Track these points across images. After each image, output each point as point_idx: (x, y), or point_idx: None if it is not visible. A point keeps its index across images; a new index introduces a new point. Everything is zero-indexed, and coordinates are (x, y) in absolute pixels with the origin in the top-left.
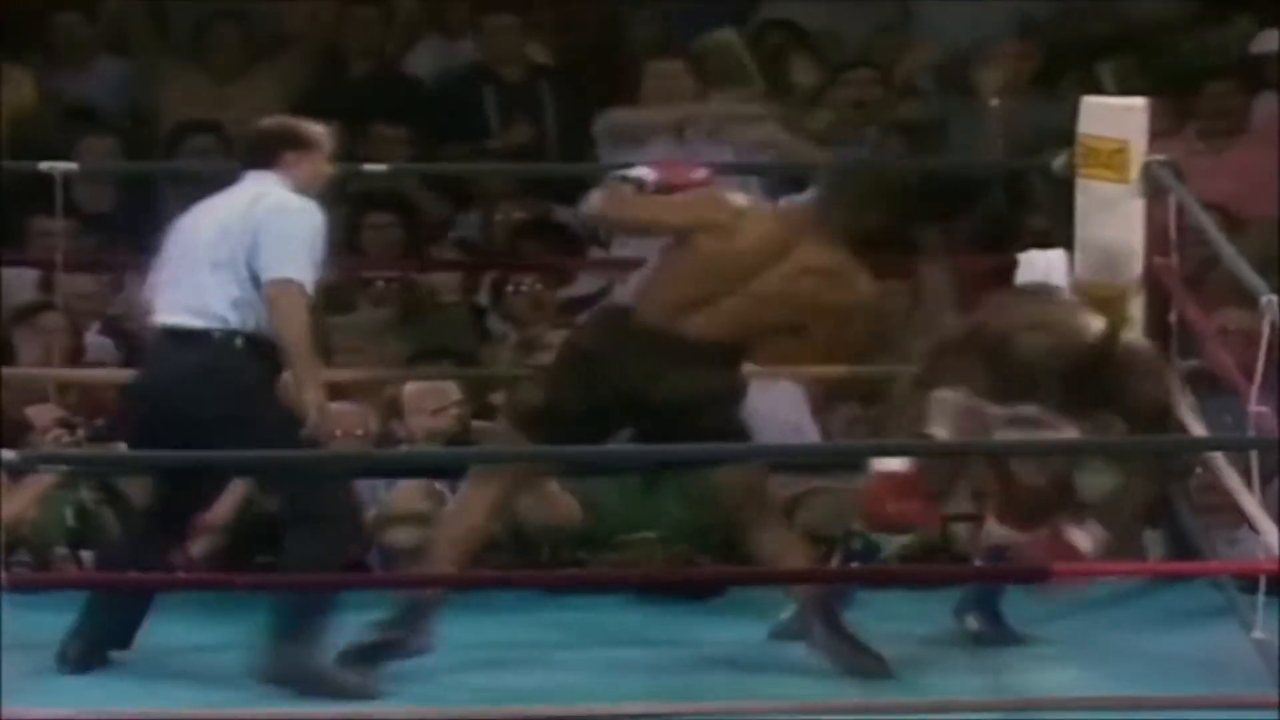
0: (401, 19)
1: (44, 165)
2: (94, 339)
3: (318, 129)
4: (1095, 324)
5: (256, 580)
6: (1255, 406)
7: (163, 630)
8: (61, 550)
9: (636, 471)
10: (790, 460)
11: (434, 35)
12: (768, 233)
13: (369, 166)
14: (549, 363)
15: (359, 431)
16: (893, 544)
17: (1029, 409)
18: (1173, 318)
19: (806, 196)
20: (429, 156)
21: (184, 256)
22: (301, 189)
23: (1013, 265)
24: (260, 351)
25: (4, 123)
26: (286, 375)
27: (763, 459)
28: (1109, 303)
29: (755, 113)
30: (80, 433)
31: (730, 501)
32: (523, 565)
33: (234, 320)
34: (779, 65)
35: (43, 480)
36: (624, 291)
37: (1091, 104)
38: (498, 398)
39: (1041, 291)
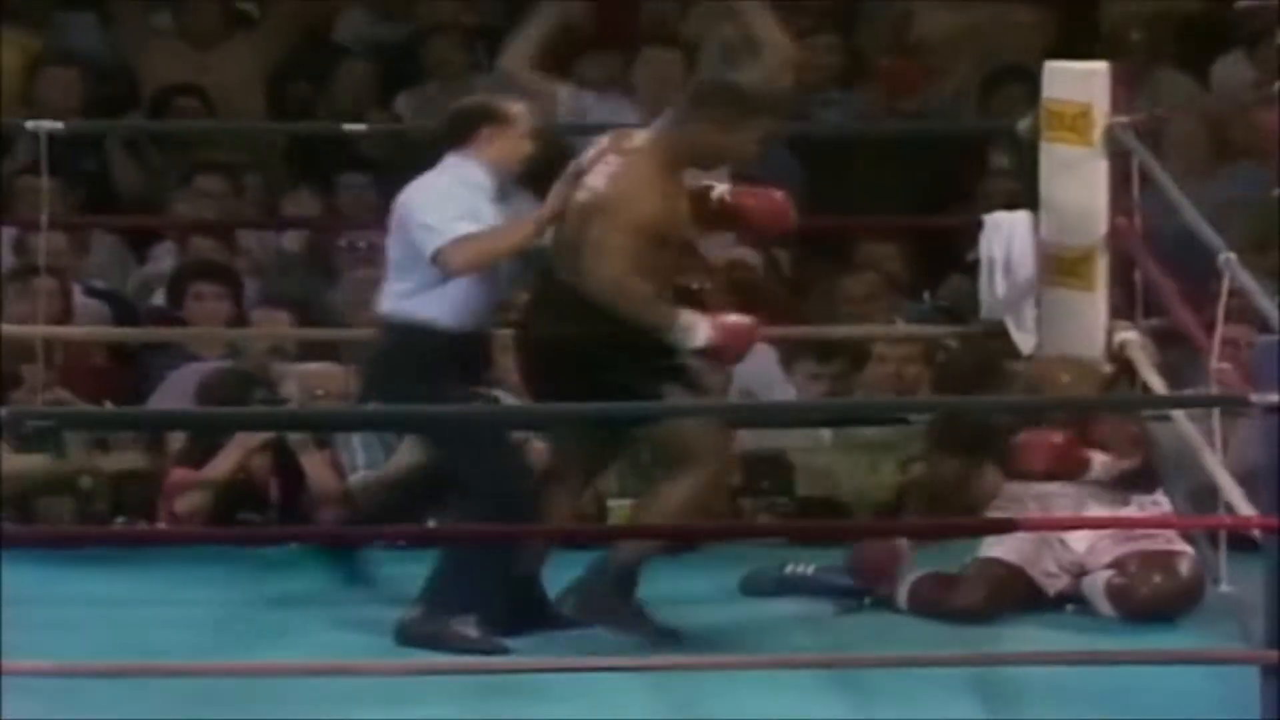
0: None
1: (30, 124)
2: (82, 300)
3: (515, 105)
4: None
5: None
6: (1217, 364)
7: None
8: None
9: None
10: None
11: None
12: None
13: (349, 126)
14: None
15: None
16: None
17: None
18: (1137, 277)
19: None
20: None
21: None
22: (499, 166)
23: (978, 226)
24: (423, 341)
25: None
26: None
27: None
28: (1074, 264)
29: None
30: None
31: (676, 453)
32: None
33: (403, 311)
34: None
35: (251, 439)
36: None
37: (1055, 68)
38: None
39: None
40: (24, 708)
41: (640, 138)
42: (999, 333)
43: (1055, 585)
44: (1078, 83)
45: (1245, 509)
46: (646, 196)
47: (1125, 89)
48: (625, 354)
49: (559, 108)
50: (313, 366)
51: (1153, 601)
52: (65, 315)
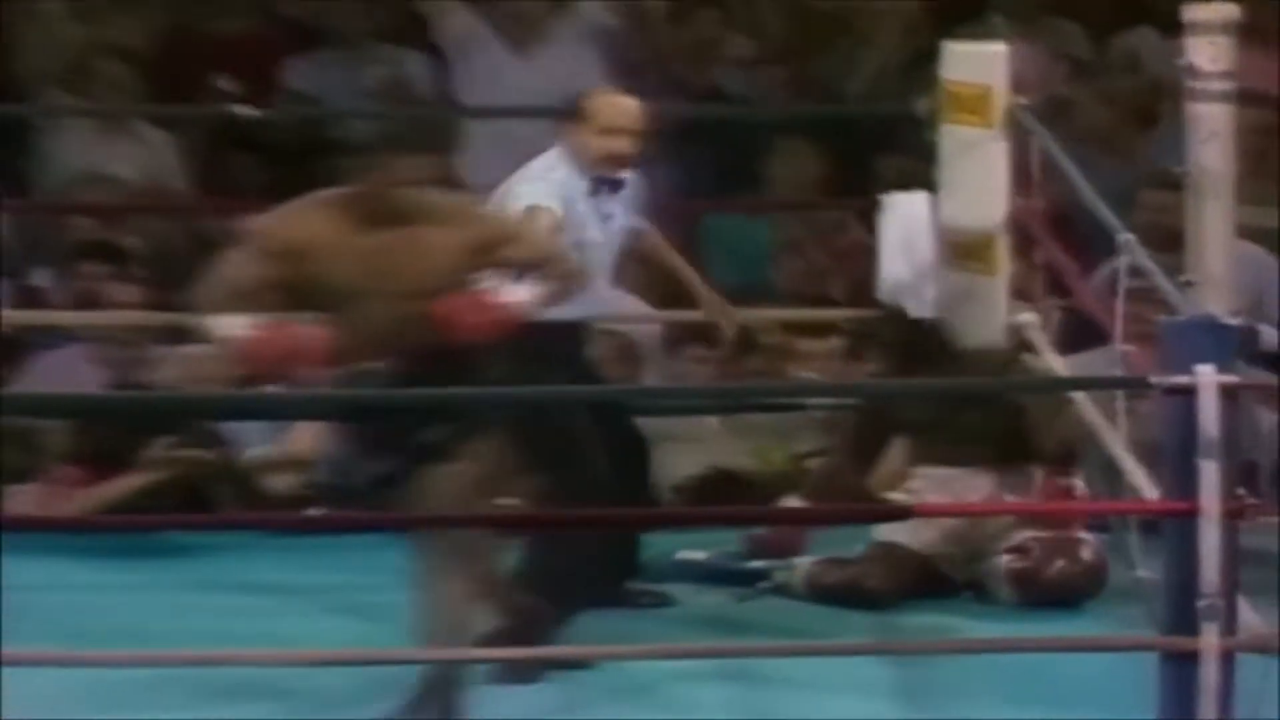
0: None
1: None
2: None
3: (601, 99)
4: None
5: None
6: (1120, 345)
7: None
8: None
9: None
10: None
11: None
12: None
13: (239, 109)
14: None
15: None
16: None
17: None
18: (1039, 259)
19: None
20: None
21: None
22: (582, 165)
23: (876, 208)
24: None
25: None
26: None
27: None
28: (974, 247)
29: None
30: None
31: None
32: None
33: None
34: None
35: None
36: None
37: (954, 50)
38: None
39: None
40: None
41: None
42: (896, 316)
43: (956, 569)
44: (977, 64)
45: (1150, 492)
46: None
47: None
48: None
49: None
50: (195, 349)
51: (1055, 586)
52: None
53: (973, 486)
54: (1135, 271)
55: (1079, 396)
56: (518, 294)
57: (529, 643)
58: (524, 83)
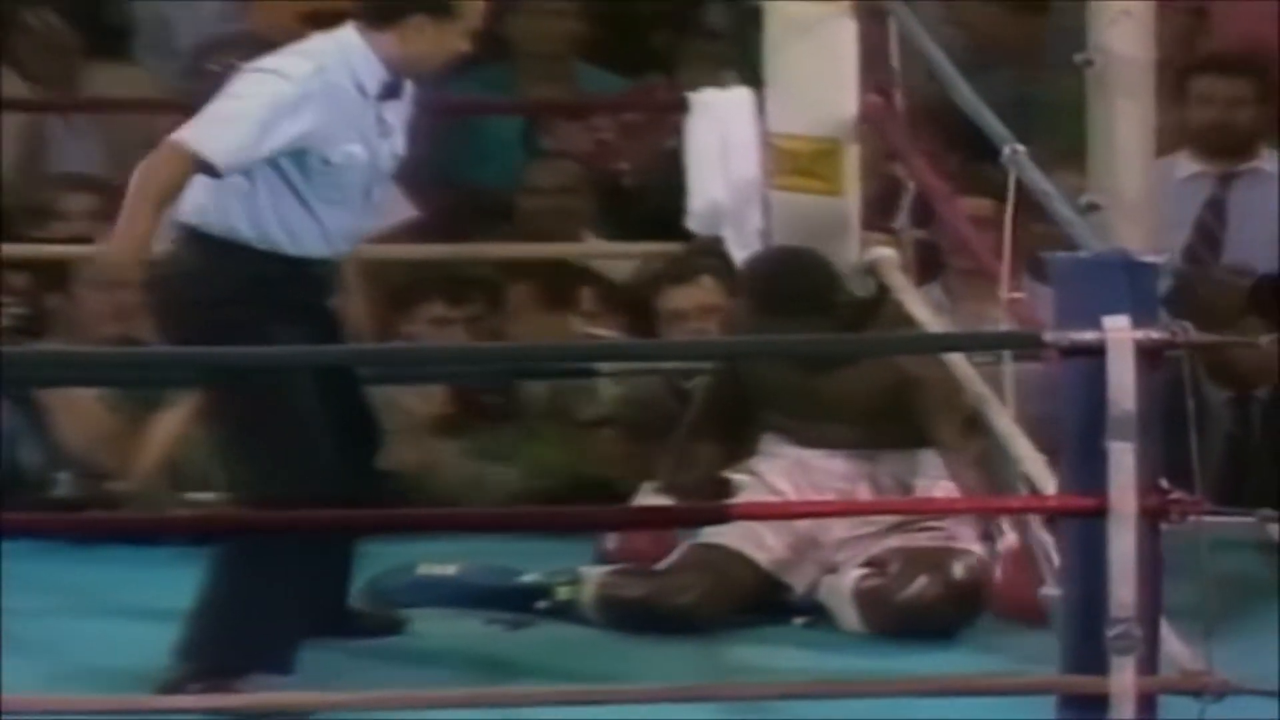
0: None
1: None
2: None
3: None
4: None
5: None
6: (1008, 292)
7: None
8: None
9: None
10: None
11: None
12: None
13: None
14: None
15: None
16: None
17: None
18: (900, 173)
19: None
20: None
21: None
22: (413, 65)
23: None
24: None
25: None
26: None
27: None
28: (813, 160)
29: None
30: None
31: None
32: None
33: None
34: None
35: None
36: None
37: None
38: None
39: None
40: None
41: None
42: (711, 251)
43: (797, 580)
44: None
45: (1047, 483)
46: None
47: None
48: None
49: None
50: None
51: (910, 612)
52: None
53: (831, 474)
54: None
55: (953, 357)
56: None
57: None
58: None
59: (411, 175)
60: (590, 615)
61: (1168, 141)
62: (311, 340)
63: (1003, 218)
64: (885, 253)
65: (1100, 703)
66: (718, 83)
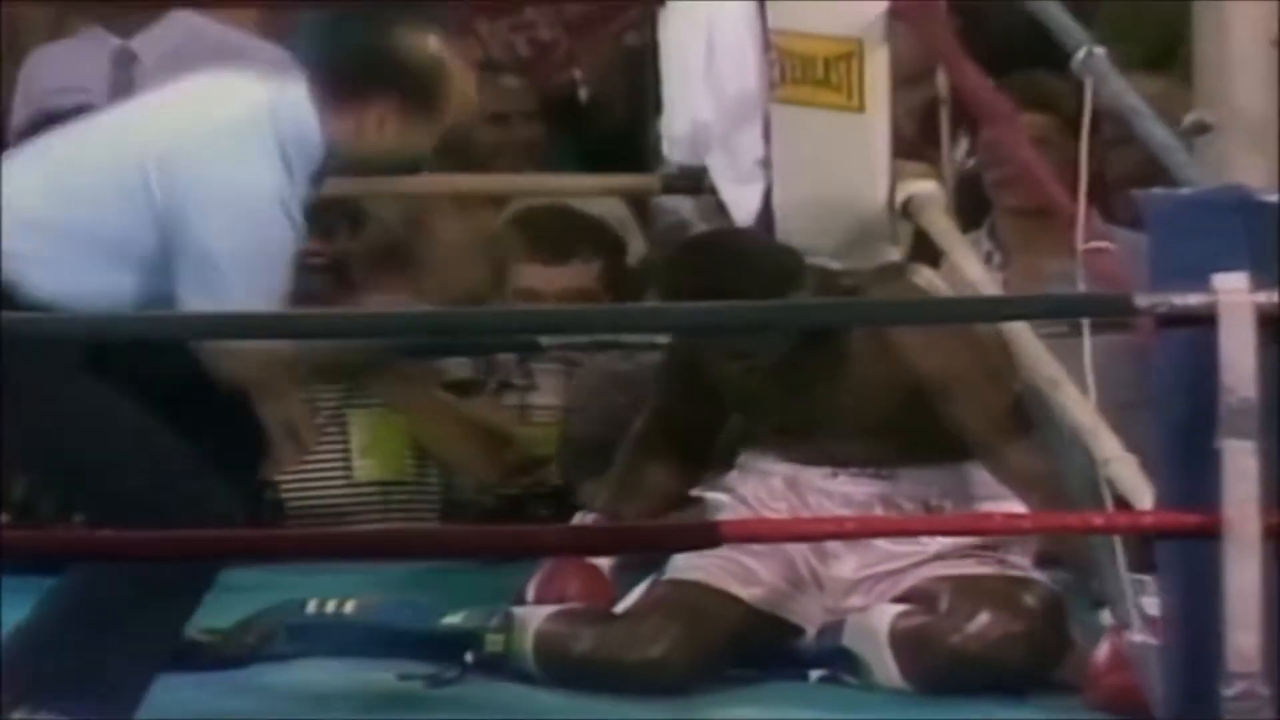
0: None
1: None
2: None
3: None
4: None
5: None
6: (1085, 240)
7: None
8: None
9: None
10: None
11: None
12: None
13: None
14: None
15: None
16: None
17: None
18: (941, 87)
19: None
20: None
21: None
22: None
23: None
24: None
25: None
26: None
27: None
28: (828, 67)
29: None
30: None
31: None
32: None
33: None
34: None
35: None
36: None
37: None
38: None
39: None
40: None
41: None
42: (690, 186)
43: (806, 619)
44: None
45: (1142, 494)
46: None
47: None
48: None
49: None
50: None
51: (966, 660)
52: None
53: (834, 497)
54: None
55: (1012, 330)
56: None
57: None
58: None
59: None
60: (531, 670)
61: None
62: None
63: (1066, 141)
64: (924, 188)
65: None
66: None
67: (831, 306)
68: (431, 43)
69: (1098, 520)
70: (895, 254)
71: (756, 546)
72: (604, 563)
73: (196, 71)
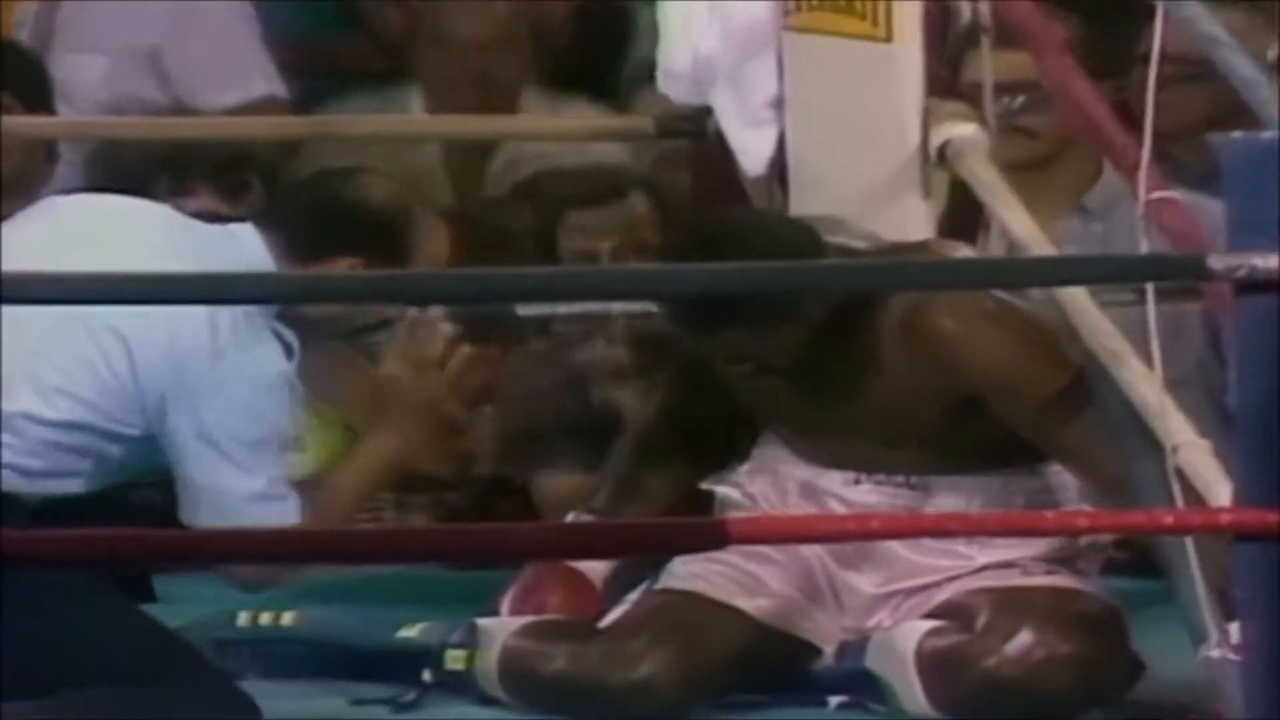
0: None
1: None
2: None
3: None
4: None
5: None
6: (1147, 191)
7: None
8: None
9: None
10: None
11: None
12: None
13: None
14: None
15: None
16: None
17: None
18: (982, 12)
19: None
20: None
21: None
22: None
23: None
24: None
25: None
26: None
27: None
28: None
29: None
30: None
31: None
32: None
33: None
34: None
35: None
36: None
37: None
38: None
39: None
40: None
41: None
42: (690, 129)
43: (822, 638)
44: None
45: (1217, 488)
46: None
47: None
48: None
49: None
50: None
51: (1007, 685)
52: None
53: (857, 508)
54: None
55: (1068, 299)
56: None
57: None
58: None
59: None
60: (497, 692)
61: None
62: None
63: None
64: (964, 131)
65: None
66: None
67: (860, 268)
68: (398, 196)
69: (1167, 519)
70: (924, 212)
71: (766, 552)
72: (597, 575)
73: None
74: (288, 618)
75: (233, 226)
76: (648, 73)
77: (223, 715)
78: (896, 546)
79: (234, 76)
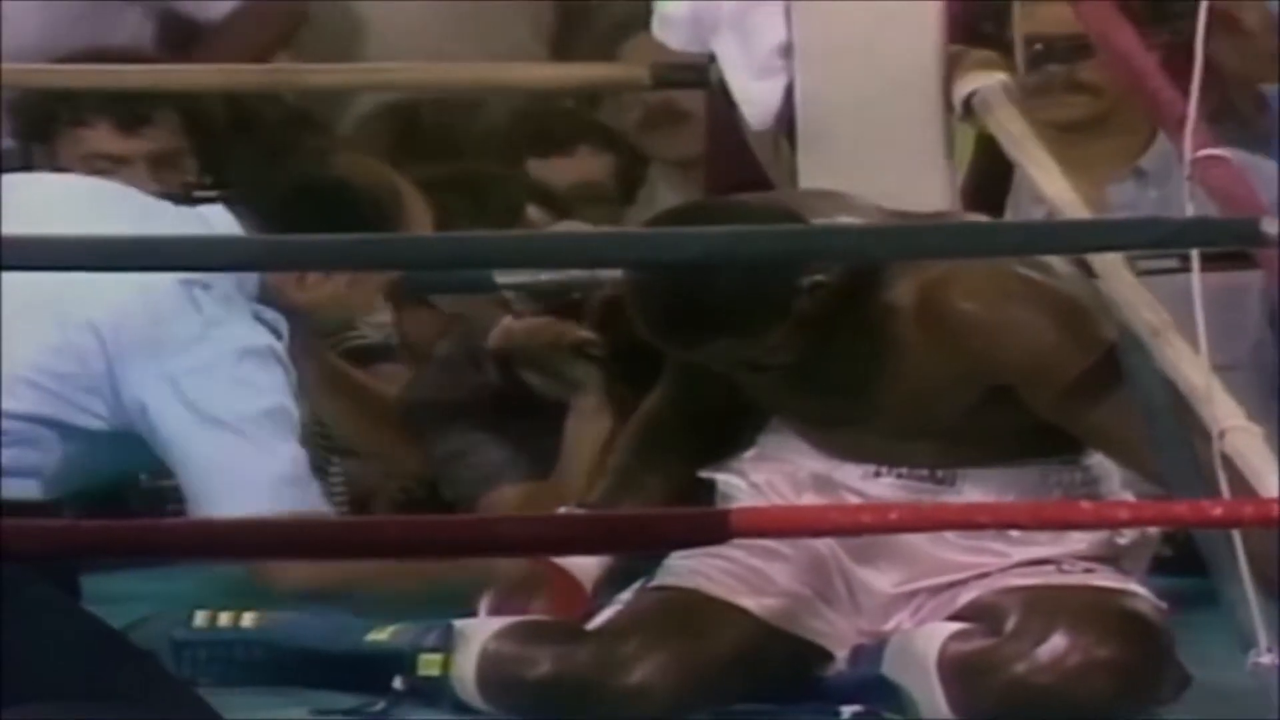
0: None
1: None
2: None
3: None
4: None
5: None
6: (1193, 150)
7: None
8: None
9: None
10: None
11: None
12: None
13: None
14: None
15: None
16: None
17: None
18: None
19: None
20: None
21: None
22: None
23: None
24: None
25: None
26: None
27: None
28: None
29: None
30: None
31: None
32: None
33: None
34: None
35: None
36: None
37: None
38: None
39: None
40: None
41: None
42: (690, 79)
43: (835, 642)
44: None
45: (1269, 479)
46: None
47: None
48: None
49: None
50: None
51: (1037, 694)
52: None
53: (882, 499)
54: None
55: (1103, 265)
56: None
57: None
58: None
59: None
60: (474, 700)
61: None
62: None
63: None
64: (991, 81)
65: None
66: None
67: (871, 234)
68: (382, 174)
69: (1215, 510)
70: (946, 171)
71: (773, 546)
72: (587, 572)
73: None
74: (248, 618)
75: (203, 209)
76: (643, 19)
77: None
78: (919, 541)
79: None
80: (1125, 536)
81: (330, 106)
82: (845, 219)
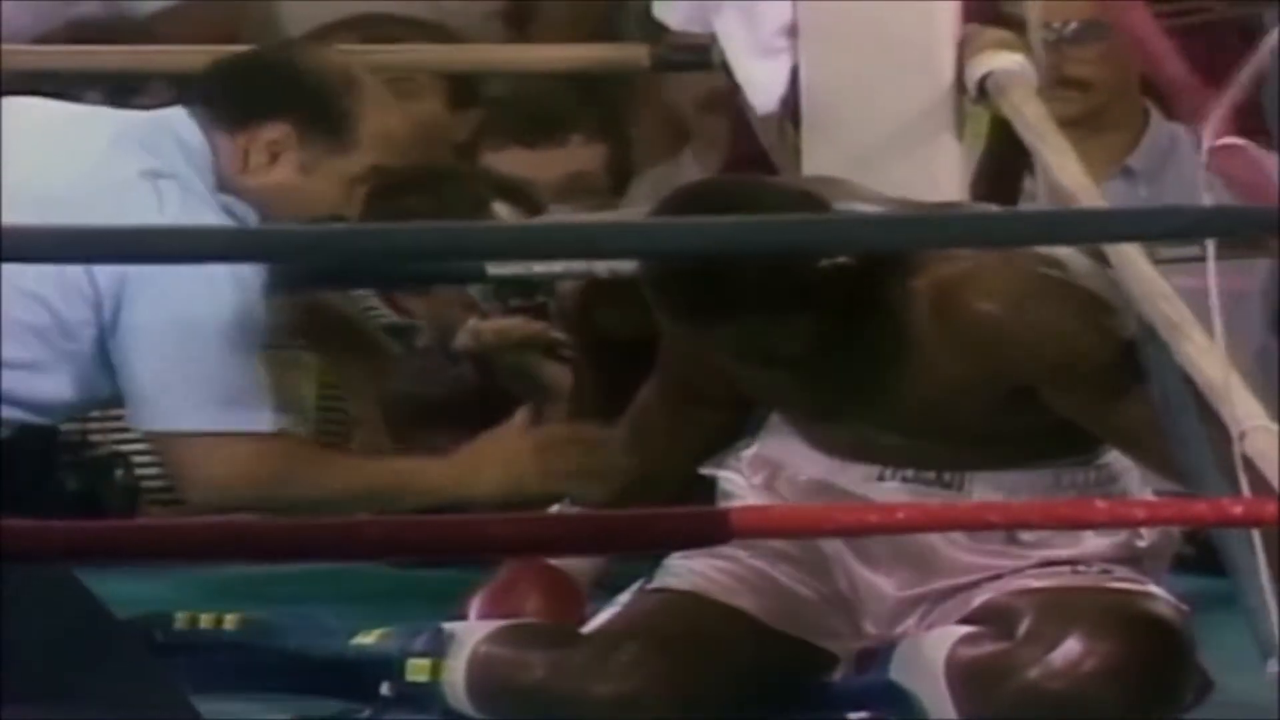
0: None
1: None
2: None
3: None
4: None
5: None
6: (1212, 137)
7: None
8: None
9: None
10: None
11: None
12: None
13: None
14: None
15: None
16: None
17: None
18: None
19: None
20: None
21: None
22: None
23: None
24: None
25: None
26: None
27: None
28: None
29: None
30: None
31: None
32: None
33: None
34: None
35: None
36: None
37: None
38: None
39: None
40: None
41: None
42: (691, 60)
43: (838, 644)
44: None
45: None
46: None
47: None
48: None
49: None
50: None
51: (1051, 701)
52: None
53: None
54: None
55: (1122, 258)
56: None
57: None
58: None
59: None
60: (465, 706)
61: None
62: None
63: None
64: (1007, 62)
65: None
66: None
67: (890, 225)
68: (339, 62)
69: (1236, 509)
70: (958, 155)
71: (777, 547)
72: (581, 573)
73: None
74: (230, 620)
75: (166, 112)
76: None
77: None
78: (929, 543)
79: None
80: (1145, 537)
81: None
82: (848, 207)
